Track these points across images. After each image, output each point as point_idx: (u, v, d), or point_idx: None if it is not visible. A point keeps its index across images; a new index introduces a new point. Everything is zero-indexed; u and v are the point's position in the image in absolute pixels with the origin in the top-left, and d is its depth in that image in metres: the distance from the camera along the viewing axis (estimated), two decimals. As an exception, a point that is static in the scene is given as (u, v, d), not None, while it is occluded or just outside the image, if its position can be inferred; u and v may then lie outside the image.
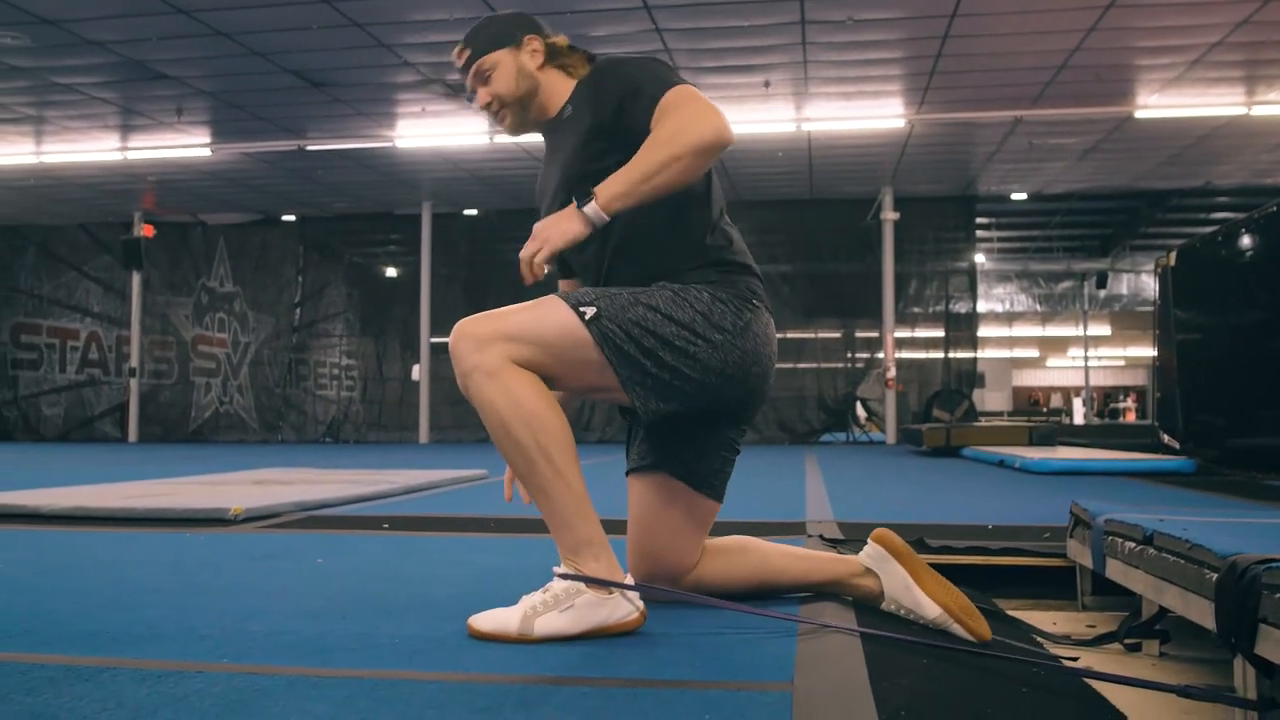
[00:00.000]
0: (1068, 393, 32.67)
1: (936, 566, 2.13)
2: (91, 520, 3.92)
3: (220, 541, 3.37)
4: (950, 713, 1.53)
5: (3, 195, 15.31)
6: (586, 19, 8.64)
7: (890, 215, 14.92)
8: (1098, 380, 31.62)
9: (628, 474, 2.22)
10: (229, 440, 16.51)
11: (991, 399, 29.69)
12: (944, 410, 14.36)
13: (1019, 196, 15.88)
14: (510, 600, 1.91)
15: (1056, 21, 8.90)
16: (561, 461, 1.88)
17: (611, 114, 2.02)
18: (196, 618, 2.04)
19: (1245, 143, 12.57)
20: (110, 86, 10.63)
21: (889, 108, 11.37)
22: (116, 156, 13.07)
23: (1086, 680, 1.82)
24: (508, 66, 2.17)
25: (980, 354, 16.14)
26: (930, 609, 2.00)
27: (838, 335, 16.08)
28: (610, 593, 1.88)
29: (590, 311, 1.93)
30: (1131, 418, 30.45)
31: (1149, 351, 22.87)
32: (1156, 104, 11.05)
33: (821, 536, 3.32)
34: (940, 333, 15.68)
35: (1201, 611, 1.91)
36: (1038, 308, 22.38)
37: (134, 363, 16.70)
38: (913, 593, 2.03)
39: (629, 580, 1.92)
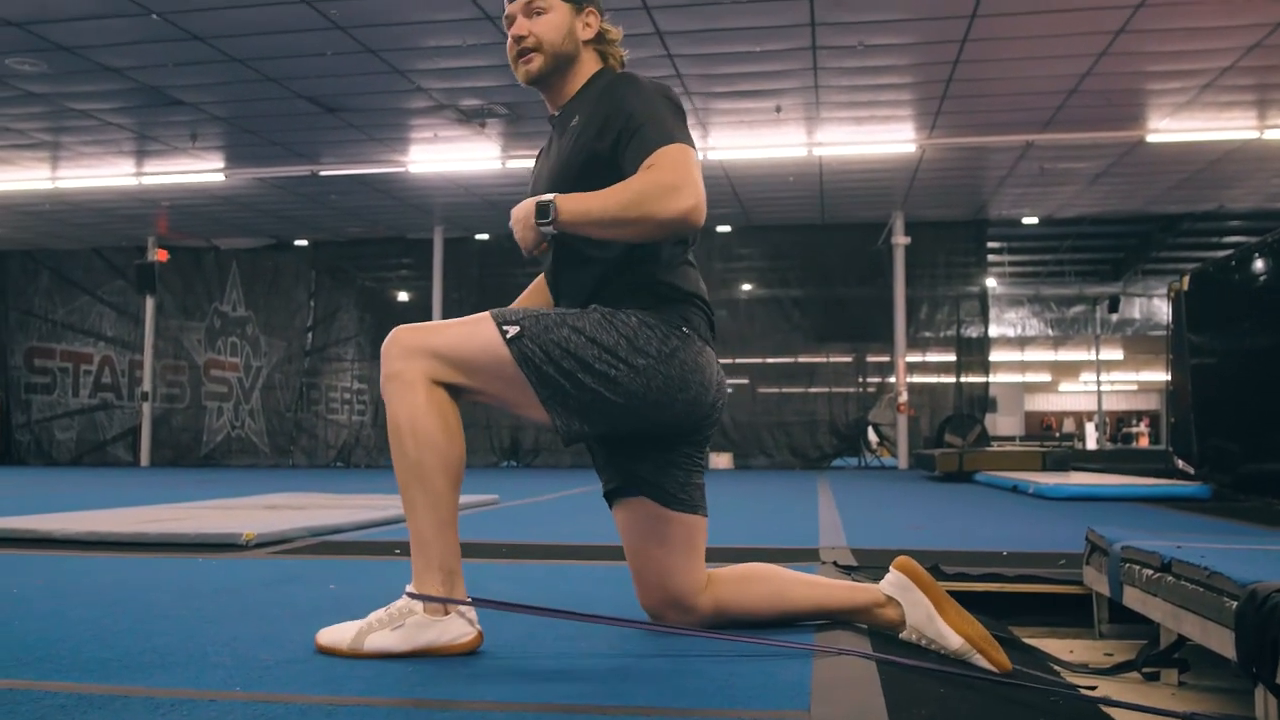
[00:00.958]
0: (1080, 417, 32.52)
1: (952, 594, 2.11)
2: (104, 545, 3.92)
3: (233, 567, 3.36)
4: (969, 743, 1.52)
5: (18, 220, 15.43)
6: (598, 45, 8.66)
7: (901, 239, 14.92)
8: (1110, 405, 31.48)
9: (605, 498, 2.24)
10: (240, 464, 16.54)
11: (1004, 424, 29.59)
12: (956, 435, 14.30)
13: (1030, 221, 15.88)
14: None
15: (1068, 46, 8.92)
16: (438, 484, 1.92)
17: (610, 147, 2.04)
18: (209, 645, 2.03)
19: (1258, 166, 12.55)
20: (125, 112, 10.73)
21: (900, 132, 11.40)
22: (131, 182, 13.17)
23: (1105, 709, 1.79)
24: (561, 17, 2.16)
25: (992, 378, 16.10)
26: (953, 640, 1.98)
27: (849, 359, 16.07)
28: (446, 613, 1.92)
29: (513, 331, 1.96)
30: (1145, 443, 30.28)
31: (1162, 376, 22.80)
32: (1168, 128, 11.05)
33: (835, 563, 3.30)
34: (952, 357, 15.65)
35: (1221, 640, 1.88)
36: (1050, 332, 22.33)
37: (147, 387, 16.76)
38: (935, 623, 2.01)
39: (464, 598, 1.96)
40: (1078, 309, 21.46)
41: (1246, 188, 13.66)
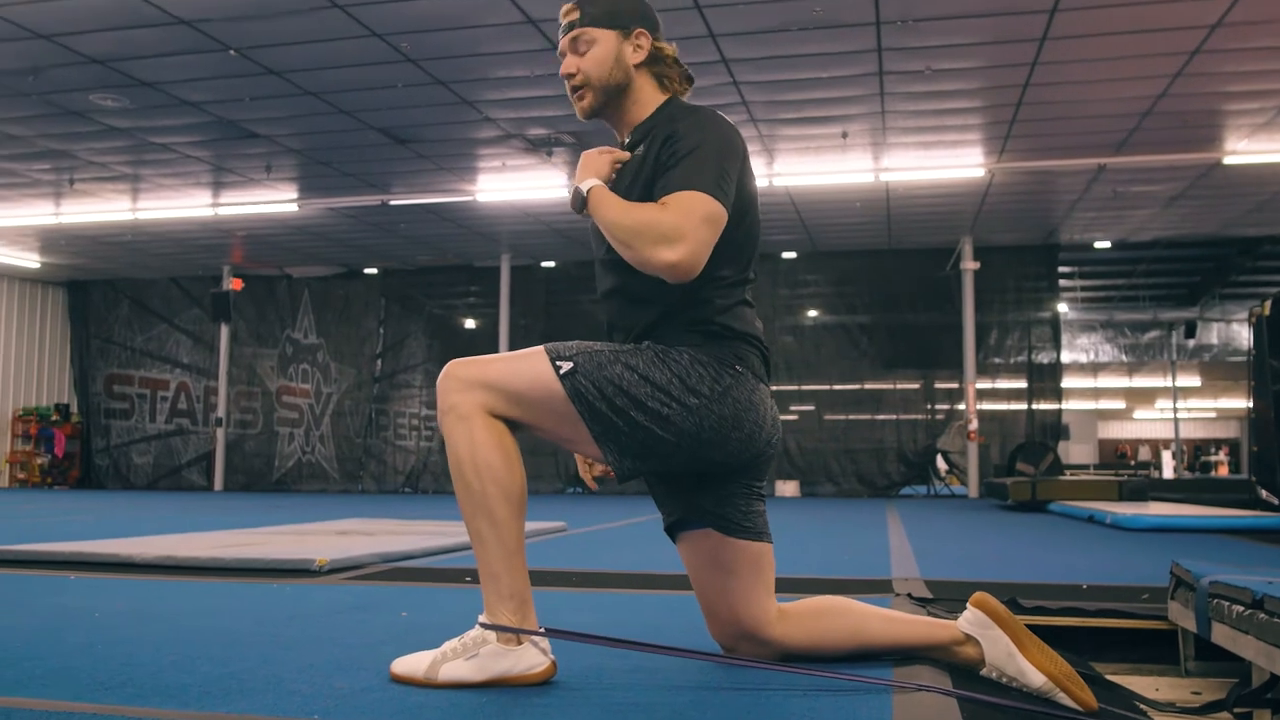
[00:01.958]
0: (1156, 445, 31.76)
1: (1030, 628, 2.06)
2: (181, 570, 3.99)
3: (306, 593, 3.40)
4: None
5: (101, 250, 15.89)
6: (664, 73, 8.71)
7: (970, 265, 14.75)
8: (1187, 432, 30.73)
9: (667, 532, 2.23)
10: (311, 489, 16.77)
11: (1076, 452, 29.00)
12: (1028, 463, 14.03)
13: (1103, 244, 15.59)
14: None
15: (1141, 68, 8.77)
16: (502, 514, 1.92)
17: (659, 175, 2.03)
18: (285, 671, 2.05)
19: (1341, 188, 12.22)
20: (203, 145, 11.01)
21: (968, 157, 11.28)
22: (208, 212, 13.50)
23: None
24: (607, 48, 2.13)
25: (1064, 405, 15.79)
26: (1035, 677, 1.93)
27: (917, 386, 15.89)
28: (520, 643, 1.92)
29: (566, 367, 1.96)
30: (1224, 471, 29.51)
31: (1242, 403, 22.20)
32: (1246, 149, 10.80)
33: (910, 595, 3.24)
34: (1023, 384, 15.41)
35: (1320, 681, 1.81)
36: (1123, 358, 21.89)
37: (221, 413, 17.11)
38: (1016, 661, 1.96)
39: (540, 629, 1.96)
40: (1152, 334, 21.01)
41: (1329, 210, 13.30)
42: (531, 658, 1.93)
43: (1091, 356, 21.61)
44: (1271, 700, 2.30)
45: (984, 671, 2.02)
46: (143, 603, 3.15)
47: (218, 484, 16.99)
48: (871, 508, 11.07)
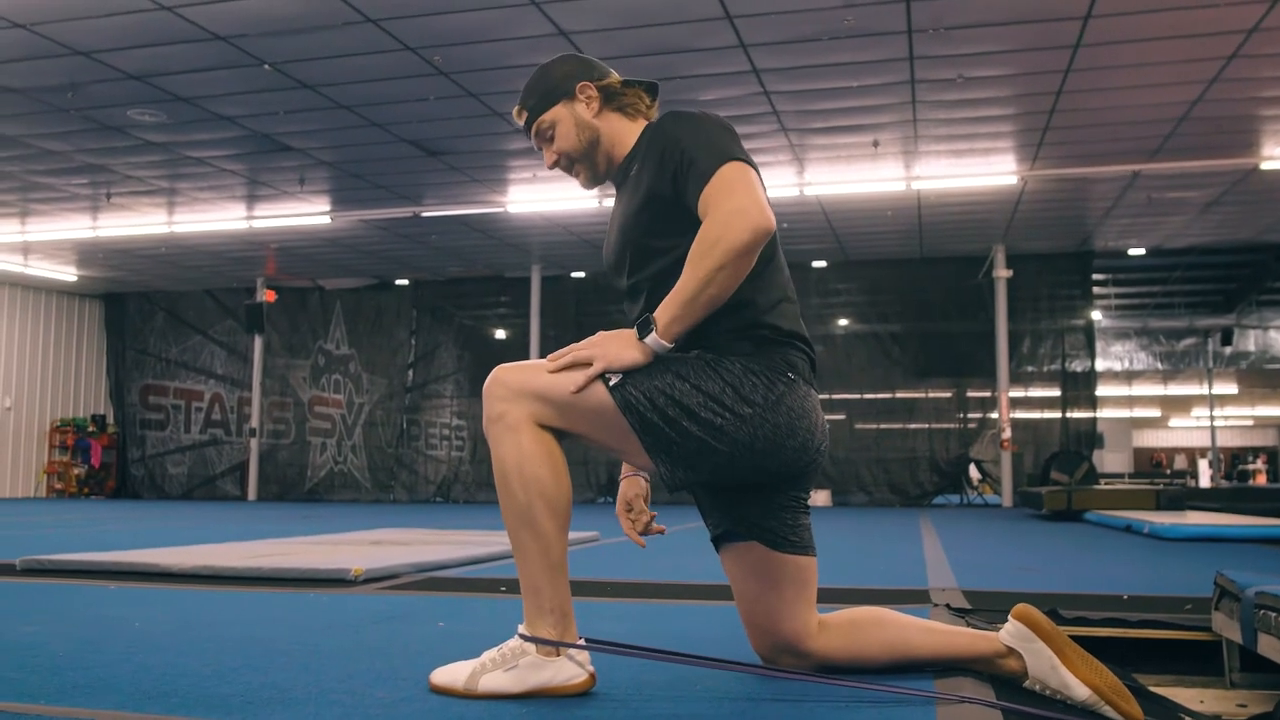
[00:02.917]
0: (1192, 454, 31.37)
1: (1071, 639, 2.03)
2: (219, 579, 4.02)
3: (342, 602, 3.41)
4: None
5: (136, 263, 16.08)
6: (695, 84, 8.74)
7: (1003, 273, 14.65)
8: (1224, 441, 30.33)
9: (713, 543, 2.21)
10: (343, 499, 16.87)
11: (1111, 460, 28.70)
12: (1062, 472, 13.91)
13: (1137, 251, 15.45)
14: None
15: (1176, 73, 8.70)
16: (547, 527, 1.91)
17: (670, 183, 2.00)
18: (325, 681, 2.06)
19: (1380, 193, 12.05)
20: (238, 159, 11.12)
21: (1001, 164, 11.21)
22: (242, 225, 13.64)
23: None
24: (566, 122, 2.16)
25: (1099, 414, 15.64)
26: (1079, 690, 1.91)
27: (949, 395, 15.79)
28: (558, 654, 1.91)
29: (615, 378, 1.93)
30: (1263, 480, 29.09)
31: (1281, 411, 21.90)
32: (1284, 155, 10.68)
33: (948, 606, 3.21)
34: (1056, 392, 15.29)
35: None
36: (1159, 365, 21.64)
37: (254, 423, 17.25)
38: (1060, 673, 1.94)
39: (580, 642, 1.94)
40: (1188, 341, 20.76)
41: (1369, 215, 13.12)
42: (571, 669, 1.92)
43: (1126, 364, 21.38)
44: (1320, 713, 2.27)
45: (1027, 684, 2.00)
46: (182, 612, 3.17)
47: (251, 494, 17.12)
48: (904, 517, 11.00)
